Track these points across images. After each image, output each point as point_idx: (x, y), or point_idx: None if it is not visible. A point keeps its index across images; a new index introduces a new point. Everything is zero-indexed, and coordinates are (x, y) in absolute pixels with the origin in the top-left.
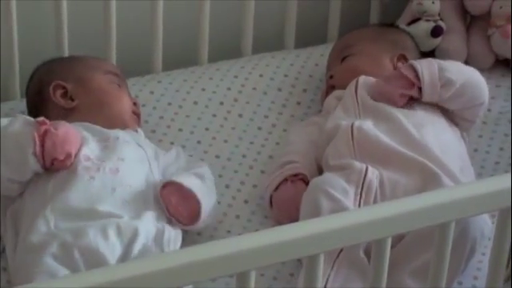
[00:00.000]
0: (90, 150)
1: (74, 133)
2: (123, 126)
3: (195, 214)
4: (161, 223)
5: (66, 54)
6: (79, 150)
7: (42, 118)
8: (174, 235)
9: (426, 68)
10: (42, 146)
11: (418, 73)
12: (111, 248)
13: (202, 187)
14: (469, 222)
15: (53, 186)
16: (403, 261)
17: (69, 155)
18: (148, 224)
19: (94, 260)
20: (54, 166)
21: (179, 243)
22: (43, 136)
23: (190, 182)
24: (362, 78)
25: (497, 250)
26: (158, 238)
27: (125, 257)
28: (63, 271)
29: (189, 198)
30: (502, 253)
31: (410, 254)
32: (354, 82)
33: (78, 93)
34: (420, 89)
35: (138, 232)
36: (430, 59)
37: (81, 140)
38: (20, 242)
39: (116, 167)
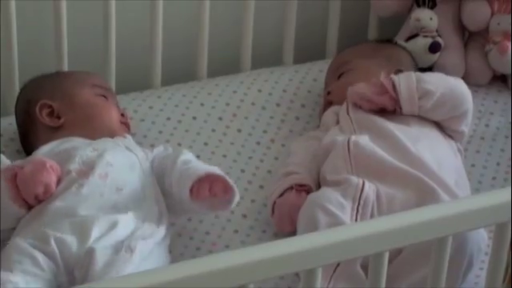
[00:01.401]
0: (76, 162)
1: (42, 163)
2: (112, 136)
3: (229, 191)
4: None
5: (66, 69)
6: (61, 169)
7: (8, 165)
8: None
9: (404, 80)
10: (17, 188)
11: (395, 85)
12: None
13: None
14: (466, 236)
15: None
16: (402, 275)
17: (47, 185)
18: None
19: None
20: (41, 200)
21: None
22: (14, 180)
23: (207, 168)
24: (350, 90)
25: (494, 264)
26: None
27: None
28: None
29: (215, 181)
30: (499, 267)
31: (408, 268)
32: (345, 103)
33: (65, 110)
34: (398, 102)
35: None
36: (409, 72)
37: (55, 164)
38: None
39: (105, 172)
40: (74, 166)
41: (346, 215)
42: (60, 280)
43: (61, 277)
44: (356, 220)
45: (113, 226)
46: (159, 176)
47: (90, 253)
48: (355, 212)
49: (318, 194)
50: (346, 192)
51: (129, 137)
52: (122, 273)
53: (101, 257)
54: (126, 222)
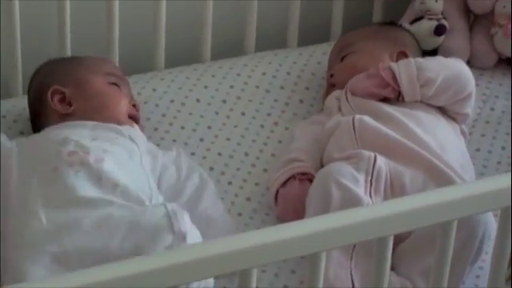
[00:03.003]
0: (75, 144)
1: None
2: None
3: None
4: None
5: (69, 51)
6: (63, 146)
7: None
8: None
9: (404, 69)
10: None
11: (395, 75)
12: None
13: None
14: (477, 222)
15: (38, 184)
16: (413, 259)
17: None
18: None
19: (93, 257)
20: None
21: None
22: None
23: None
24: (350, 83)
25: (499, 248)
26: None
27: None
28: (58, 270)
29: None
30: (504, 252)
31: (420, 253)
32: (343, 90)
33: (76, 97)
34: (399, 91)
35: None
36: (408, 59)
37: None
38: (7, 237)
39: (101, 157)
40: (68, 148)
41: (359, 188)
42: None
43: None
44: (370, 193)
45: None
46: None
47: None
48: (369, 185)
49: (331, 168)
50: (359, 165)
51: (136, 127)
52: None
53: None
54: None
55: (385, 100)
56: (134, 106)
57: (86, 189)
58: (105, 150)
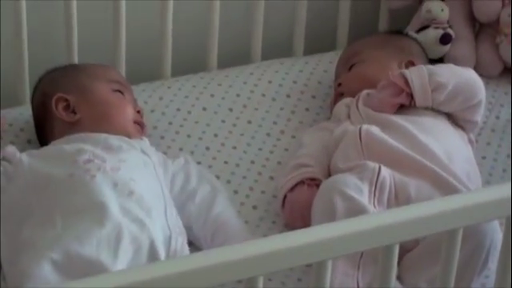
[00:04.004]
0: (91, 154)
1: None
2: (126, 135)
3: None
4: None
5: (76, 60)
6: (79, 155)
7: None
8: (180, 242)
9: (416, 74)
10: None
11: (407, 80)
12: (117, 257)
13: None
14: (484, 232)
15: (54, 191)
16: (420, 269)
17: None
18: (158, 228)
19: (96, 270)
20: None
21: (186, 251)
22: None
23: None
24: (364, 93)
25: (504, 257)
26: (166, 243)
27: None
28: (57, 279)
29: None
30: (509, 260)
31: (426, 263)
32: (355, 98)
33: (81, 105)
34: (412, 96)
35: (152, 242)
36: (420, 65)
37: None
38: (15, 235)
39: (117, 166)
40: (84, 157)
41: (364, 198)
42: None
43: None
44: (374, 203)
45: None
46: (179, 209)
47: None
48: (373, 195)
49: (334, 179)
50: (363, 175)
51: (145, 139)
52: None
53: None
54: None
55: None
56: (139, 112)
57: (102, 193)
58: (120, 159)
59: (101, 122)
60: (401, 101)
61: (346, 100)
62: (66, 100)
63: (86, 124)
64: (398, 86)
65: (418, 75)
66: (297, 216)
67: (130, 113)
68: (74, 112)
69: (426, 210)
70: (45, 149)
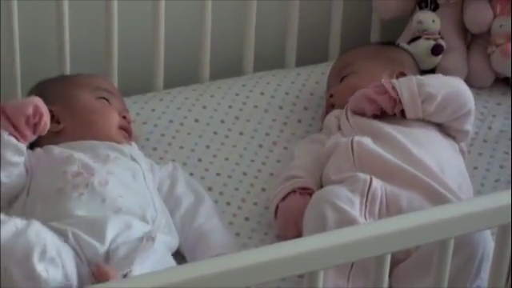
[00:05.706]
0: (80, 164)
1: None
2: (111, 141)
3: None
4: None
5: (68, 72)
6: (68, 165)
7: None
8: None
9: (405, 86)
10: (8, 119)
11: (396, 91)
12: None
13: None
14: (477, 242)
15: (42, 203)
16: (412, 280)
17: (36, 106)
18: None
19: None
20: (35, 126)
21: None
22: (4, 113)
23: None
24: (351, 97)
25: (496, 266)
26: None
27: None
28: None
29: None
30: (501, 269)
31: (418, 274)
32: (344, 108)
33: (64, 115)
34: (395, 103)
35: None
36: (410, 76)
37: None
38: None
39: (105, 180)
40: (72, 168)
41: (355, 210)
42: (80, 271)
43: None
44: (365, 215)
45: (127, 226)
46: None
47: (109, 254)
48: (364, 207)
49: (326, 190)
50: (354, 187)
51: (134, 145)
52: (145, 261)
53: (120, 252)
54: (139, 223)
55: (383, 118)
56: (125, 117)
57: (87, 210)
58: (109, 171)
59: (83, 129)
60: (381, 100)
61: (336, 112)
62: (50, 111)
63: (69, 133)
64: (384, 87)
65: (407, 85)
66: (290, 224)
67: (114, 118)
68: (58, 122)
69: (418, 219)
70: (37, 151)
